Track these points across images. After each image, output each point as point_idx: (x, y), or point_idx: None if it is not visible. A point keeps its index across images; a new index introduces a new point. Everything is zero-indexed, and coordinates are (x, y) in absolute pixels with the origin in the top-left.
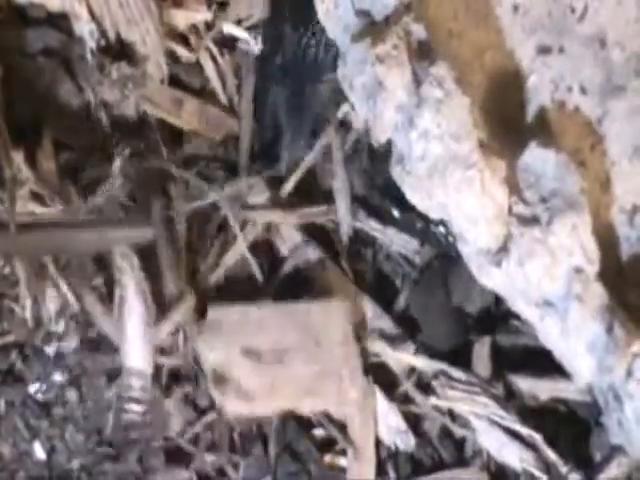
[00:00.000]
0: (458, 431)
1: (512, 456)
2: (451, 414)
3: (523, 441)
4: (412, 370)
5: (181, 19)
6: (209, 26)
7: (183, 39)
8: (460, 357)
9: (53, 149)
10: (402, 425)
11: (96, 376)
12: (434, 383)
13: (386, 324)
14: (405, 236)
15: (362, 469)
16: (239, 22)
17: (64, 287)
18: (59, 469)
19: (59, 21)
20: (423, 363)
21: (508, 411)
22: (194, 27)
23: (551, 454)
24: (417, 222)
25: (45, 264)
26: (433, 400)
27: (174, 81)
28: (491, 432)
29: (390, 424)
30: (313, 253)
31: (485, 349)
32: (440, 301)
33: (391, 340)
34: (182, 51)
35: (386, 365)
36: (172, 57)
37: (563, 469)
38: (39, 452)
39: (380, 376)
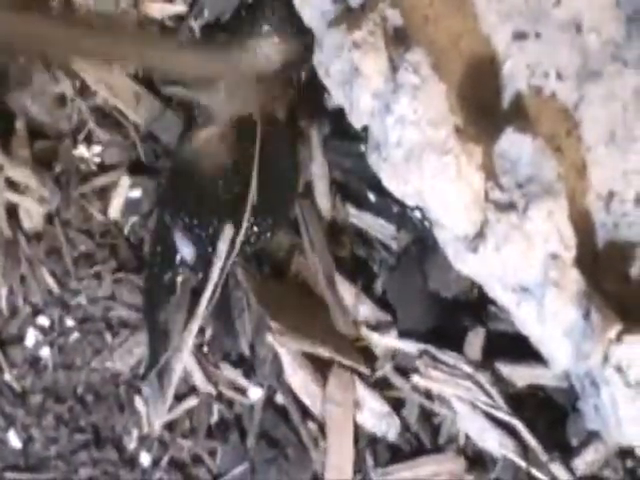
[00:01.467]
0: (440, 411)
1: (492, 441)
2: (430, 397)
3: (504, 427)
4: (393, 356)
5: (157, 10)
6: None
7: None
8: (448, 342)
9: (28, 137)
10: (385, 408)
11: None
12: (418, 362)
13: (368, 308)
14: (381, 221)
15: (340, 465)
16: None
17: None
18: (35, 457)
19: None
20: (408, 345)
21: (492, 397)
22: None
23: (532, 441)
24: (393, 207)
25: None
26: (415, 379)
27: None
28: (473, 417)
29: (373, 409)
30: None
31: (479, 339)
32: (417, 287)
33: (373, 324)
34: None
35: (367, 349)
36: None
37: (543, 457)
38: (14, 440)
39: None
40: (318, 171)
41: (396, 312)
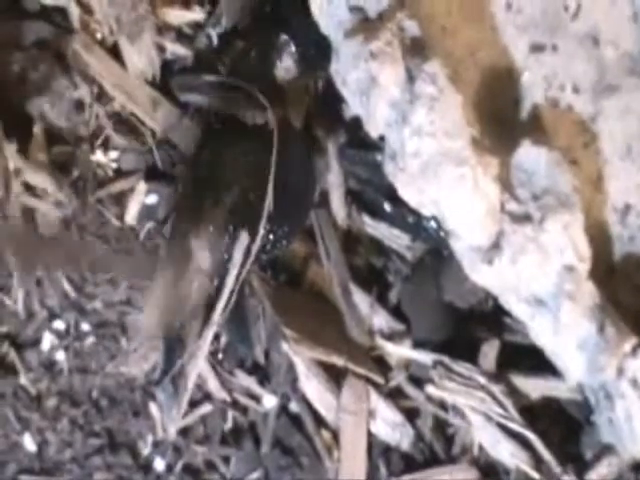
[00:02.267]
0: (454, 421)
1: (505, 453)
2: (444, 407)
3: (518, 439)
4: (407, 366)
5: (174, 17)
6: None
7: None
8: (462, 352)
9: (46, 142)
10: (399, 418)
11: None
12: (432, 373)
13: (382, 318)
14: (397, 231)
15: (353, 474)
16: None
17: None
18: (50, 461)
19: (53, 14)
20: (422, 355)
21: (505, 408)
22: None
23: (545, 453)
24: (409, 217)
25: None
26: (429, 389)
27: None
28: (487, 428)
29: (387, 418)
30: None
31: (493, 350)
32: (431, 297)
33: (387, 333)
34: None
35: (382, 359)
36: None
37: (556, 469)
38: (29, 444)
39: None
40: (334, 180)
41: (410, 322)
